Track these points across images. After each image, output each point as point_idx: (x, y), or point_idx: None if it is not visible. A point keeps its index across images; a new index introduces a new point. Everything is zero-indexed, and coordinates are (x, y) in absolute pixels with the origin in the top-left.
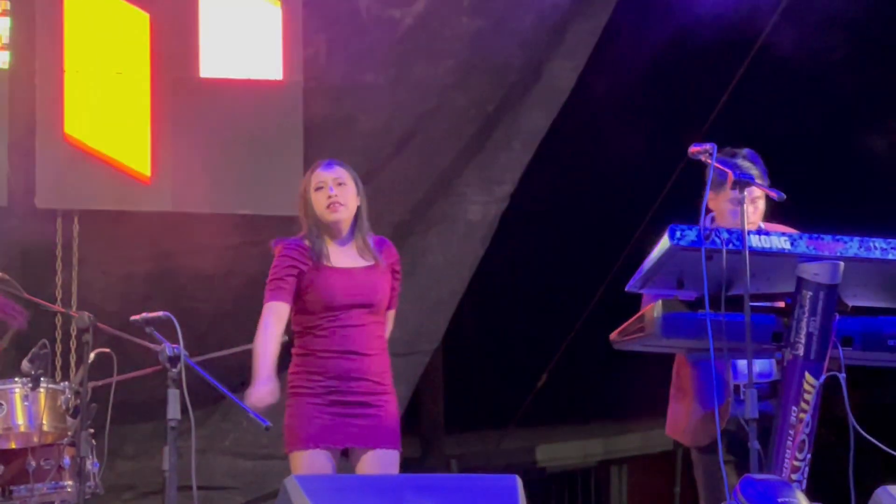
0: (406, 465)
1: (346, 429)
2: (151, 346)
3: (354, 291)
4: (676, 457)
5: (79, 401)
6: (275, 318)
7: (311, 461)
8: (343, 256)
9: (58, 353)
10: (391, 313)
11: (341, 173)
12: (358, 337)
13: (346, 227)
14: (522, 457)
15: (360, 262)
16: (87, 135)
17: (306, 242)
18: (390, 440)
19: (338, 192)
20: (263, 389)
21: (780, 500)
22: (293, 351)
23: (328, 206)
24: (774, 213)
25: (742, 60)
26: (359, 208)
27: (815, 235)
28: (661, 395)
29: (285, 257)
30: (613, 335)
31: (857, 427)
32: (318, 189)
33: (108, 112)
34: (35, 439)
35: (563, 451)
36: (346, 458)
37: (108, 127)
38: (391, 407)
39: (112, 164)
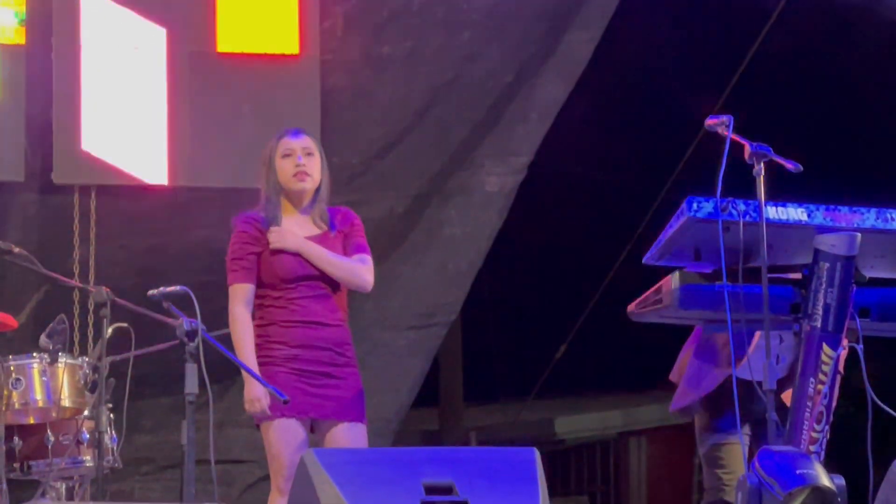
0: (425, 437)
1: (311, 399)
2: (169, 320)
3: (304, 262)
4: (695, 429)
5: (97, 376)
6: (242, 304)
7: (283, 429)
8: (296, 227)
9: (75, 328)
10: (340, 258)
11: (309, 143)
12: (317, 307)
13: (308, 198)
14: (541, 428)
15: (311, 232)
16: (104, 110)
17: (262, 214)
18: (357, 413)
19: (306, 162)
20: (256, 392)
21: (798, 471)
22: (255, 323)
23: (295, 175)
24: (791, 184)
25: (760, 29)
26: (321, 180)
27: (833, 207)
28: None
29: (242, 234)
30: (631, 307)
31: (875, 398)
32: (285, 156)
33: (124, 87)
34: (53, 414)
35: (581, 423)
36: (311, 432)
37: (124, 102)
38: (354, 380)
39: (129, 139)
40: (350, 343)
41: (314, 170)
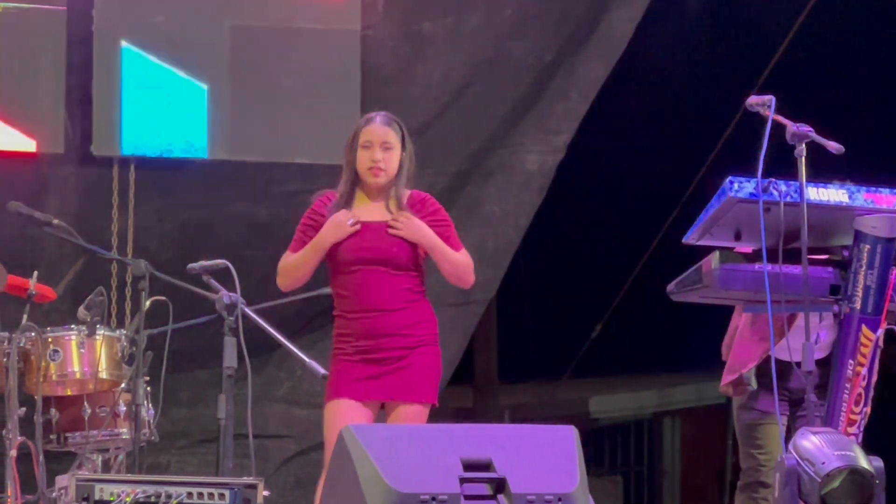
0: (459, 415)
1: (377, 383)
2: (208, 294)
3: (365, 246)
4: (729, 409)
5: (134, 348)
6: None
7: (339, 411)
8: (366, 211)
9: (113, 301)
10: (458, 254)
11: (391, 136)
12: (379, 294)
13: (380, 190)
14: (576, 408)
15: (379, 217)
16: (145, 82)
17: (336, 193)
18: (420, 394)
19: (382, 158)
20: (339, 217)
21: (836, 453)
22: (333, 313)
23: (370, 169)
24: (832, 166)
25: (801, 9)
26: (400, 166)
27: (874, 188)
28: (715, 346)
29: (313, 212)
30: (671, 286)
31: None
32: (364, 147)
33: (167, 59)
34: (91, 386)
35: (616, 403)
36: (382, 409)
37: (166, 74)
38: (425, 359)
39: (169, 112)
40: (423, 321)
41: (390, 164)
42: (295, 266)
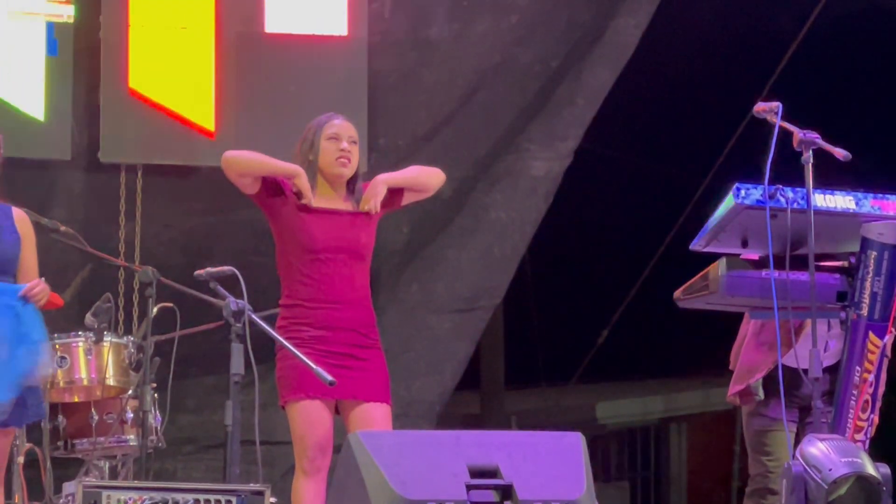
0: (466, 421)
1: (340, 381)
2: (215, 300)
3: (334, 234)
4: (736, 415)
5: (141, 355)
6: None
7: (308, 410)
8: (330, 203)
9: (120, 308)
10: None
11: (354, 132)
12: (343, 285)
13: (343, 184)
14: (582, 413)
15: (343, 207)
16: (151, 89)
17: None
18: (382, 395)
19: (350, 149)
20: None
21: (843, 459)
22: (281, 302)
23: (338, 159)
24: (840, 172)
25: (808, 15)
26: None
27: (881, 195)
28: (722, 352)
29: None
30: (677, 293)
31: None
32: (331, 139)
33: (172, 67)
34: (98, 393)
35: (623, 408)
36: (337, 413)
37: (172, 81)
38: (379, 361)
39: (176, 119)
40: (374, 325)
41: (355, 158)
42: (254, 158)
